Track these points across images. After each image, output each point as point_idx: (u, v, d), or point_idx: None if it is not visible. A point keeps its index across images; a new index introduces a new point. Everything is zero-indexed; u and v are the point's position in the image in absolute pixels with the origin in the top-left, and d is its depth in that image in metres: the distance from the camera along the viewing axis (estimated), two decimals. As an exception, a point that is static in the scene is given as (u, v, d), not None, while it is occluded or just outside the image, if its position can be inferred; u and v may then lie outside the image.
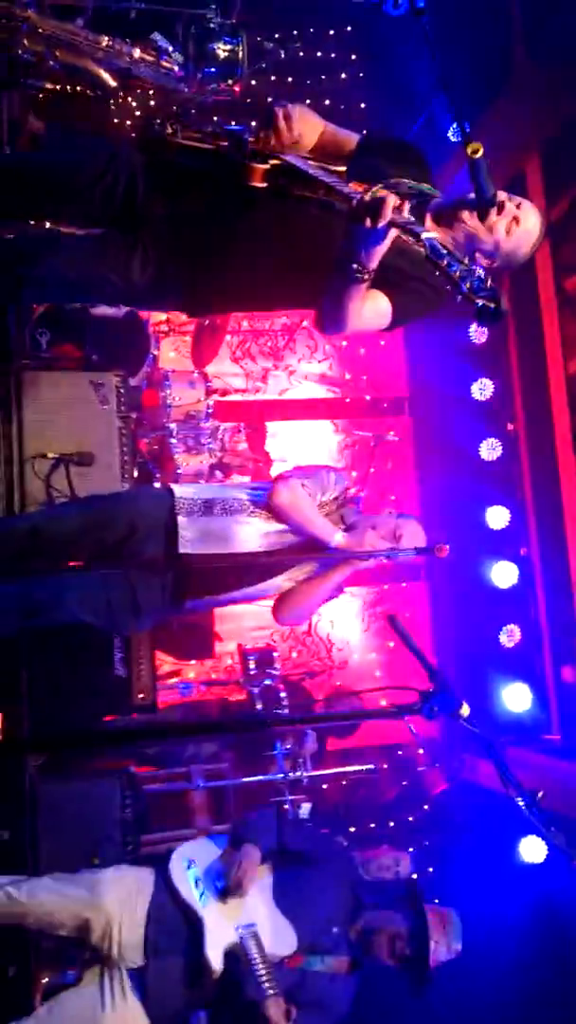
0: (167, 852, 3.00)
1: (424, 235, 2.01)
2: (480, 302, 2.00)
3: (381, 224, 2.00)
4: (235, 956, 2.73)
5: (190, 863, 2.91)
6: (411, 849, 5.12)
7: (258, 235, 2.29)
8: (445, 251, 2.01)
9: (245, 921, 2.77)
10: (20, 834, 3.42)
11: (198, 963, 2.73)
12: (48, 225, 3.26)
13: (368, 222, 2.01)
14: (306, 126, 2.30)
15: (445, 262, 2.00)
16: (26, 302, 3.82)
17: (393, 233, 2.03)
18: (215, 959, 2.72)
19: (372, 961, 2.87)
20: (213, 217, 2.31)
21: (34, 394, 3.65)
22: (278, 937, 2.81)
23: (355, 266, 2.13)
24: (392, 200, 1.99)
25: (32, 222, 3.12)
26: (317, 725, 5.03)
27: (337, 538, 2.87)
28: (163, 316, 5.66)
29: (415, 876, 3.65)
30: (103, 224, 2.46)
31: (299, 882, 2.95)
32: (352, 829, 5.27)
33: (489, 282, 2.05)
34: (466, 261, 2.04)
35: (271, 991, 2.61)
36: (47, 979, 3.44)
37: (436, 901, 2.92)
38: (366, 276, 2.15)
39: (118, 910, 2.80)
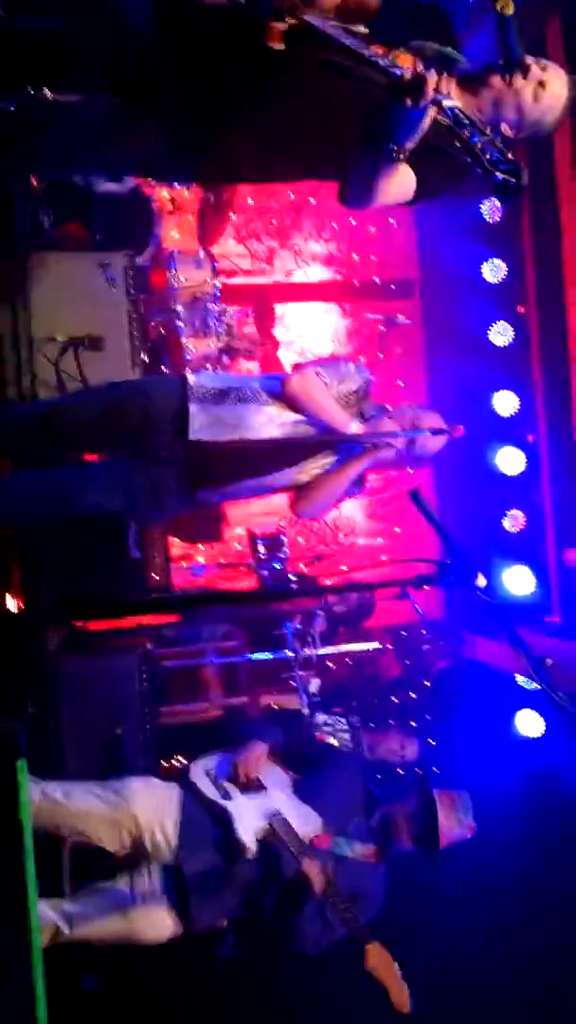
0: (184, 770, 3.14)
1: (446, 103, 1.95)
2: (500, 176, 1.96)
3: (423, 103, 1.92)
4: (266, 844, 2.83)
5: (206, 769, 3.07)
6: (413, 724, 5.37)
7: (276, 100, 2.19)
8: (467, 121, 1.95)
9: (269, 809, 2.89)
10: (44, 708, 3.58)
11: (231, 848, 2.83)
12: (50, 94, 3.12)
13: (409, 101, 1.93)
14: None
15: (466, 132, 1.95)
16: (29, 176, 3.70)
17: (432, 112, 1.96)
18: (248, 840, 2.83)
19: (395, 850, 2.96)
20: (229, 81, 2.19)
21: (42, 276, 3.59)
22: (304, 821, 2.91)
23: (392, 145, 2.06)
24: (433, 79, 1.90)
25: (32, 91, 2.98)
26: (328, 609, 5.17)
27: (352, 427, 2.85)
28: (166, 194, 5.48)
29: (420, 758, 3.77)
30: (110, 91, 2.36)
31: (314, 779, 3.07)
32: (354, 703, 5.49)
33: (510, 155, 2.01)
34: (488, 132, 1.99)
35: (306, 857, 2.71)
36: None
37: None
38: (402, 156, 2.08)
39: (149, 814, 2.90)
